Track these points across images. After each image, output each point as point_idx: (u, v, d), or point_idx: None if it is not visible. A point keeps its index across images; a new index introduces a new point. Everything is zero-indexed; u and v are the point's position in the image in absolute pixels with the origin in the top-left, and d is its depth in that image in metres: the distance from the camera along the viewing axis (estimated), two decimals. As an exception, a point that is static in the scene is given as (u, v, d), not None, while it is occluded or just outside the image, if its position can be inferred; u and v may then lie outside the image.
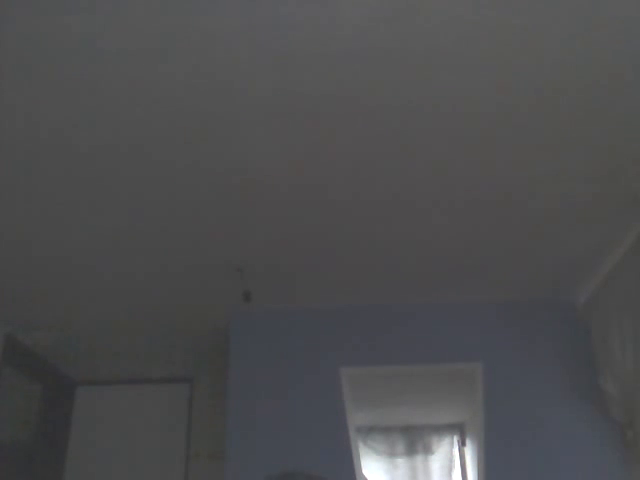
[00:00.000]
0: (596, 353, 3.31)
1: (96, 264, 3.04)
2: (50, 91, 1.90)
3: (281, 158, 2.30)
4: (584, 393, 3.30)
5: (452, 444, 4.27)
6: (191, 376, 4.20)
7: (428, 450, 4.25)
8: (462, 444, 4.24)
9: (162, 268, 3.11)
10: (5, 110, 1.97)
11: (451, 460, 4.23)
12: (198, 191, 2.48)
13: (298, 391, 3.40)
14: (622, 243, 2.90)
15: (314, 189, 2.50)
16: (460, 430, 4.28)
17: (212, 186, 2.45)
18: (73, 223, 2.67)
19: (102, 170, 2.32)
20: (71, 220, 2.65)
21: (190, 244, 2.89)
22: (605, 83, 1.96)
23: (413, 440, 4.26)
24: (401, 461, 4.23)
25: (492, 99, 2.02)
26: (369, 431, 4.23)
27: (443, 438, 4.28)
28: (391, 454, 4.22)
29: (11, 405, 3.65)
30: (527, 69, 1.89)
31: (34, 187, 2.40)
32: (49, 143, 2.15)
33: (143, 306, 3.57)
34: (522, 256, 3.10)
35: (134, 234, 2.79)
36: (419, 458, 4.23)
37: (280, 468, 2.99)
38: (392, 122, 2.11)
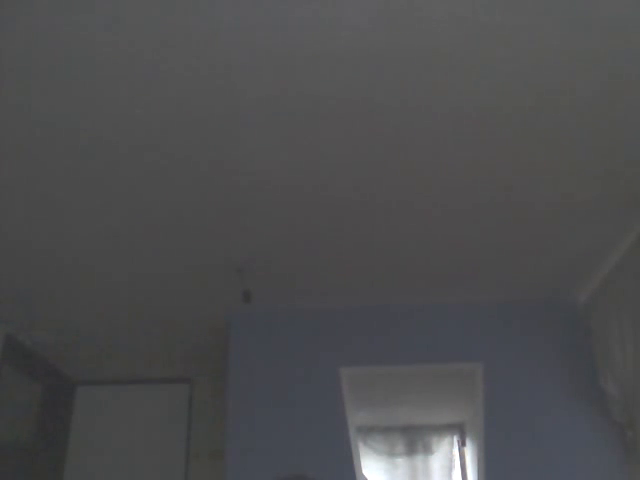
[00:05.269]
0: (596, 353, 3.31)
1: (96, 264, 3.04)
2: (50, 91, 1.90)
3: (281, 158, 2.30)
4: (584, 393, 3.30)
5: (452, 444, 4.26)
6: (191, 376, 4.20)
7: (428, 450, 4.24)
8: (462, 444, 4.23)
9: (162, 268, 3.11)
10: (5, 110, 1.97)
11: (451, 460, 4.22)
12: (198, 191, 2.48)
13: (298, 391, 3.40)
14: (622, 243, 2.90)
15: (314, 189, 2.50)
16: (460, 430, 4.27)
17: (212, 186, 2.45)
18: (73, 223, 2.67)
19: (102, 170, 2.32)
20: (71, 220, 2.65)
21: (190, 244, 2.89)
22: (605, 83, 1.96)
23: (413, 440, 4.26)
24: (401, 461, 4.22)
25: (492, 99, 2.01)
26: (369, 431, 4.22)
27: (443, 438, 4.27)
28: (391, 454, 4.22)
29: (11, 405, 3.65)
30: (527, 69, 1.89)
31: (34, 187, 2.40)
32: (49, 143, 2.15)
33: (143, 306, 3.56)
34: (522, 256, 3.10)
35: (134, 234, 2.79)
36: (419, 458, 4.23)
37: (287, 469, 2.99)
38: (392, 122, 2.11)
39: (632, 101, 2.04)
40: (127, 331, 3.91)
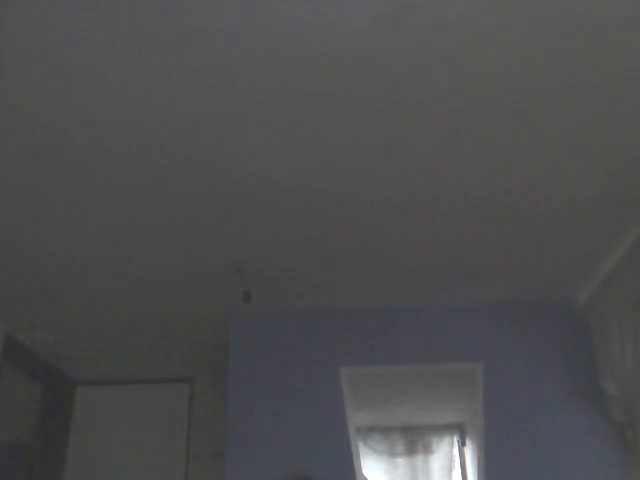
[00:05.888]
0: (596, 353, 3.31)
1: (96, 264, 3.04)
2: (50, 91, 1.90)
3: (281, 158, 2.30)
4: (584, 393, 3.30)
5: (452, 444, 4.26)
6: (191, 376, 4.20)
7: (428, 450, 4.24)
8: (462, 444, 4.23)
9: (162, 268, 3.11)
10: (5, 110, 1.97)
11: (451, 460, 4.22)
12: (198, 191, 2.48)
13: (298, 391, 3.40)
14: (622, 243, 2.90)
15: (314, 189, 2.50)
16: (460, 430, 4.27)
17: (212, 186, 2.45)
18: (73, 223, 2.67)
19: (102, 170, 2.32)
20: (71, 220, 2.65)
21: (190, 244, 2.89)
22: (605, 83, 1.96)
23: (413, 440, 4.25)
24: (401, 461, 4.22)
25: (492, 99, 2.01)
26: (369, 431, 4.22)
27: (443, 438, 4.27)
28: (391, 454, 4.22)
29: (11, 405, 3.65)
30: (527, 70, 1.89)
31: (34, 187, 2.40)
32: (49, 143, 2.15)
33: (143, 306, 3.57)
34: (522, 256, 3.10)
35: (134, 234, 2.79)
36: (419, 458, 4.22)
37: (287, 469, 2.99)
38: (392, 122, 2.11)
39: (632, 101, 2.04)
40: (127, 331, 3.91)
